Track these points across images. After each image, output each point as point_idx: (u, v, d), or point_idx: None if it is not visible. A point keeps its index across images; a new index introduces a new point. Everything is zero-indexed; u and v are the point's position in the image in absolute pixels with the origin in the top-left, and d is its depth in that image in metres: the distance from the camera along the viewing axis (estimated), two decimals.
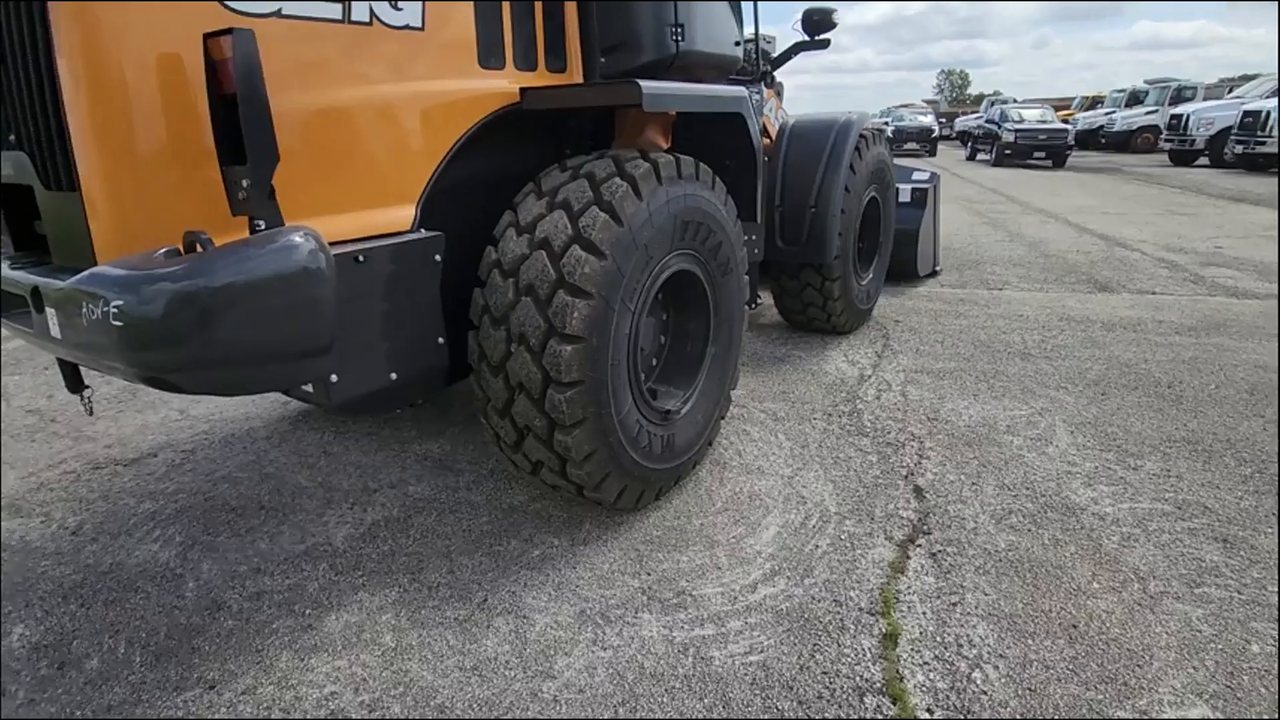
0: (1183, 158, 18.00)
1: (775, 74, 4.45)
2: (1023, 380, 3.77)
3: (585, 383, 2.11)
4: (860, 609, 2.06)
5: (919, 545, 2.36)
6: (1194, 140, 17.24)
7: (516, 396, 2.18)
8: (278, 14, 1.75)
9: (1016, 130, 19.29)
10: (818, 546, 2.37)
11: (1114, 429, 3.15)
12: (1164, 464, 2.84)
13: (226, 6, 1.66)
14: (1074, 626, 1.96)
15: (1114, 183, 14.38)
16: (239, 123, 1.51)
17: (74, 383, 2.16)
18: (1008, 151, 19.24)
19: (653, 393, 2.55)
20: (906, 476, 2.81)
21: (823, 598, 2.11)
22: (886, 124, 23.09)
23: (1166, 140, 18.93)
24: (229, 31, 1.47)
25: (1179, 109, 18.78)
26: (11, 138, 1.73)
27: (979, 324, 4.81)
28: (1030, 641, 1.91)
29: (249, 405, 3.79)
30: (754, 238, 3.17)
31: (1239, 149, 15.21)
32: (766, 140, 4.12)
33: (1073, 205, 10.82)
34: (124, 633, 2.06)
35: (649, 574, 2.26)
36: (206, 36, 1.52)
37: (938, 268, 6.36)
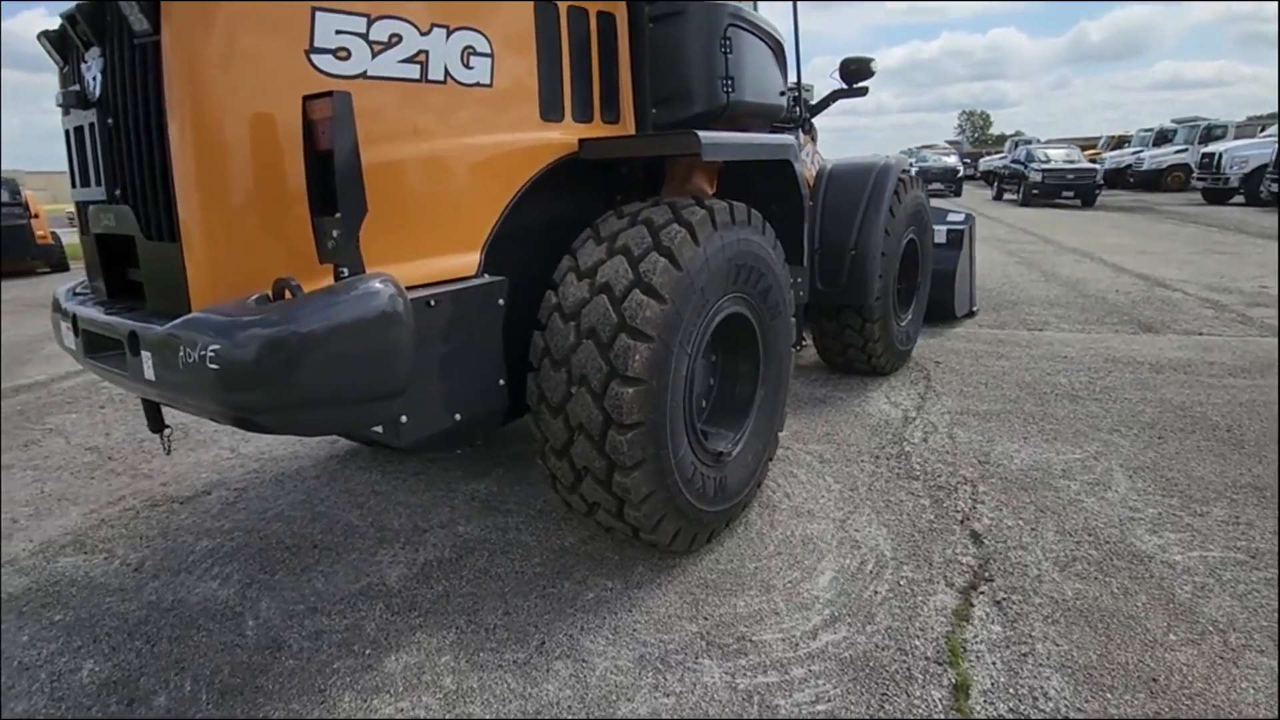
0: (1217, 196, 17.79)
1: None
2: (1073, 423, 3.70)
3: (645, 424, 2.13)
4: (927, 658, 2.01)
5: (982, 592, 2.31)
6: (1228, 179, 17.06)
7: (576, 437, 2.20)
8: (363, 75, 1.86)
9: (1043, 170, 19.27)
10: (877, 592, 2.32)
11: (1175, 474, 3.07)
12: (1232, 510, 2.75)
13: (318, 70, 1.77)
14: (1154, 680, 1.89)
15: (1147, 222, 14.25)
16: (332, 177, 1.60)
17: (155, 422, 2.24)
18: (1035, 191, 19.20)
19: (704, 434, 2.56)
20: (962, 521, 2.76)
21: (887, 645, 2.07)
22: (911, 164, 23.20)
23: (1199, 179, 18.75)
24: (329, 94, 1.56)
25: (1210, 147, 18.64)
26: (117, 192, 1.85)
27: (1022, 365, 4.75)
28: (1109, 695, 1.85)
29: (297, 444, 3.87)
30: (800, 280, 3.21)
31: (1275, 187, 15.01)
32: None
33: (1107, 244, 10.72)
34: (189, 670, 2.09)
35: (706, 618, 2.23)
36: (306, 98, 1.62)
37: (974, 308, 6.32)
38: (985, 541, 2.60)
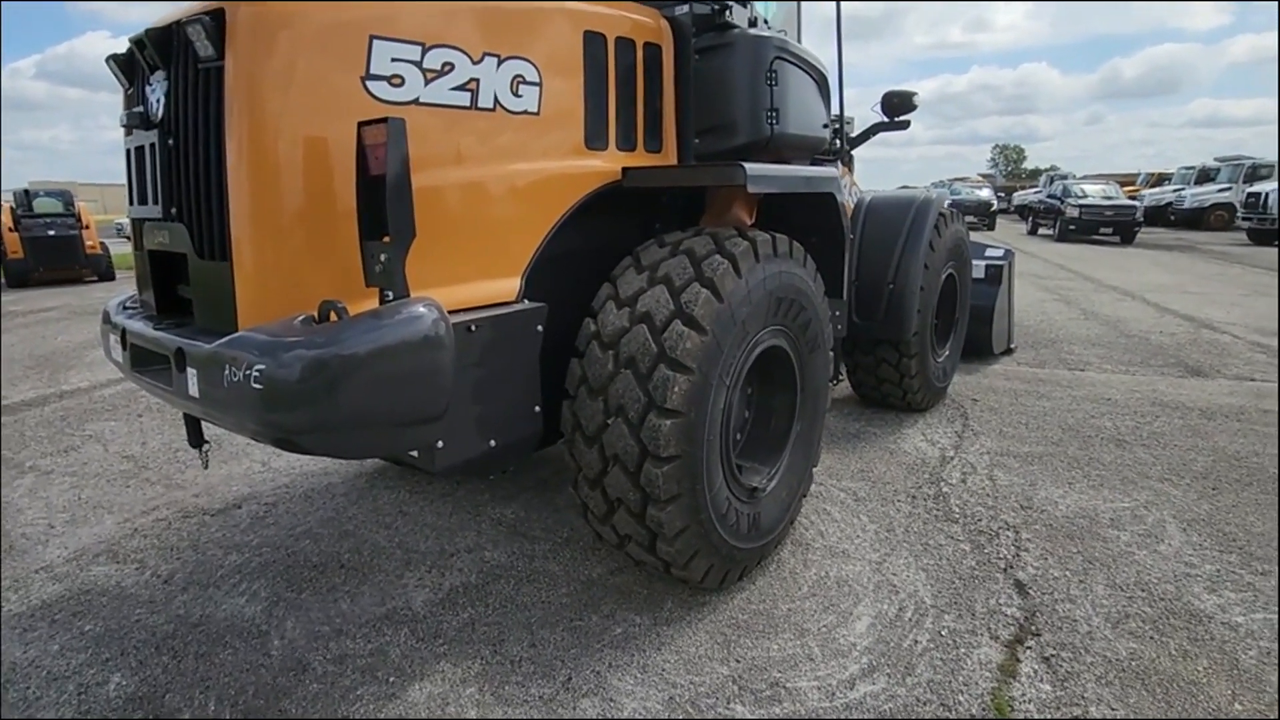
0: (1263, 236, 17.30)
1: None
2: (1120, 469, 3.56)
3: (682, 458, 2.08)
4: (972, 716, 1.91)
5: (1028, 647, 2.20)
6: (1275, 219, 16.61)
7: (610, 468, 2.17)
8: (415, 102, 1.88)
9: (1081, 205, 18.97)
10: (917, 642, 2.23)
11: (1232, 528, 2.93)
12: None
13: (372, 96, 1.80)
14: None
15: (1190, 260, 13.90)
16: (382, 202, 1.61)
17: (195, 437, 2.26)
18: (1072, 227, 18.89)
19: (739, 468, 2.51)
20: (1005, 569, 2.65)
21: (929, 700, 1.97)
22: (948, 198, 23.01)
23: (1244, 218, 18.28)
24: (383, 121, 1.58)
25: (1256, 187, 18.20)
26: (173, 210, 1.88)
27: (1063, 406, 4.61)
28: None
29: (328, 461, 3.88)
30: (838, 313, 3.16)
31: None
32: None
33: (1149, 283, 10.46)
34: (214, 689, 2.07)
35: (738, 661, 2.16)
36: (361, 124, 1.63)
37: (1012, 345, 6.18)
38: (1031, 592, 2.49)
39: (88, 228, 13.65)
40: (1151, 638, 2.23)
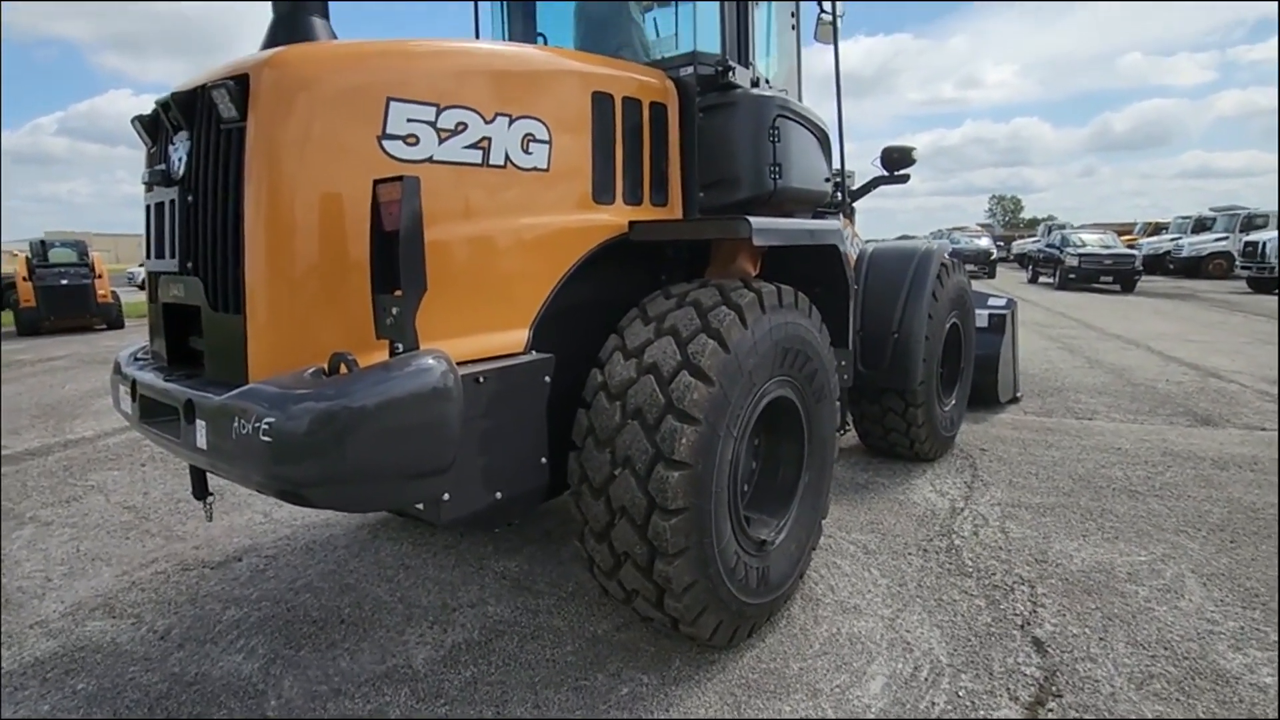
0: (1263, 284, 17.41)
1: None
2: (1134, 521, 3.50)
3: (690, 510, 2.06)
4: None
5: (1050, 709, 2.12)
6: (1274, 268, 16.74)
7: (618, 521, 2.14)
8: (429, 160, 1.94)
9: (1080, 254, 19.17)
10: (934, 703, 2.15)
11: (1253, 583, 2.85)
12: None
13: (388, 154, 1.85)
14: None
15: (1192, 309, 13.95)
16: (395, 257, 1.64)
17: (200, 490, 2.24)
18: (1072, 275, 19.05)
19: (746, 520, 2.47)
20: (1022, 626, 2.58)
21: None
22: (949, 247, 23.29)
23: (1243, 267, 18.44)
24: (398, 179, 1.62)
25: (1254, 236, 18.42)
26: (189, 264, 1.92)
27: (1073, 456, 4.56)
28: None
29: (329, 511, 3.84)
30: (844, 363, 3.16)
31: None
32: None
33: (1151, 331, 10.48)
34: None
35: None
36: (377, 182, 1.68)
37: (1019, 394, 6.16)
38: (1050, 651, 2.42)
39: (100, 277, 13.89)
40: (1178, 700, 2.15)
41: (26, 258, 13.57)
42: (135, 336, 12.79)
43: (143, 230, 2.21)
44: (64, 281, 13.23)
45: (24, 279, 13.10)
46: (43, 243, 14.20)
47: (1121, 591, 2.81)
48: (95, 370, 9.01)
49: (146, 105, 2.12)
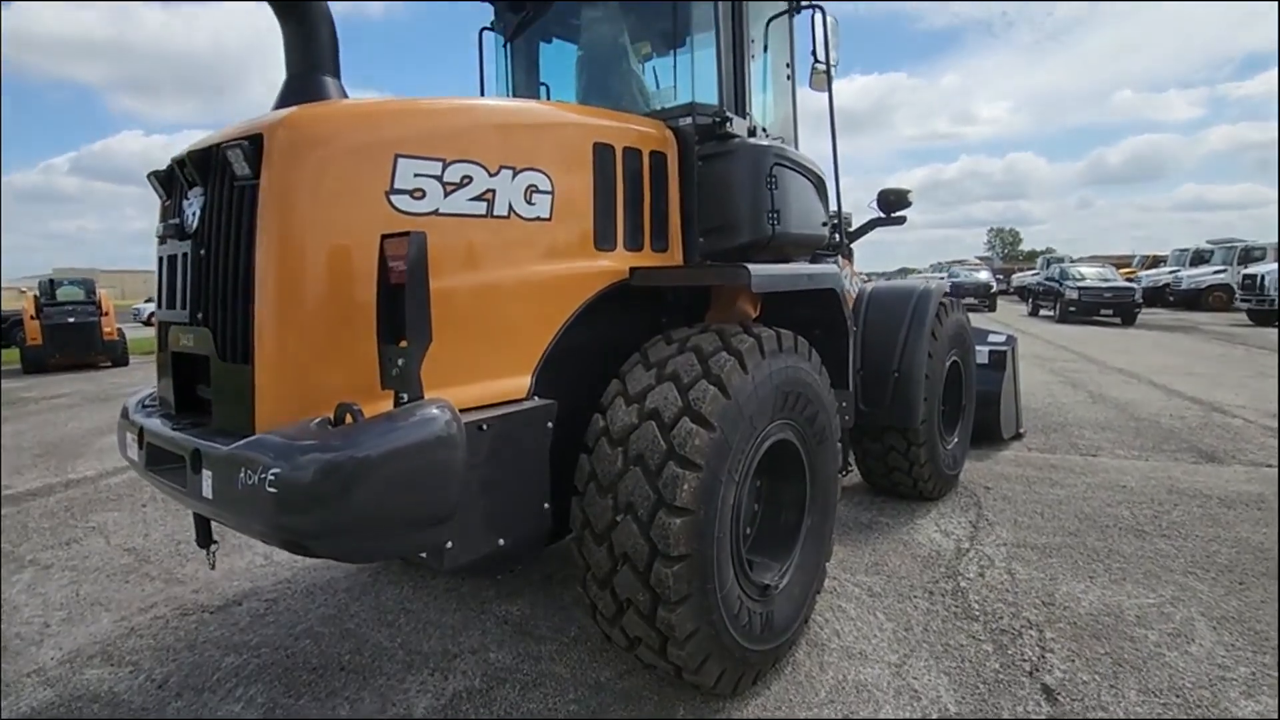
0: (1263, 317, 17.46)
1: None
2: (1142, 562, 3.47)
3: (692, 556, 2.06)
4: None
5: None
6: (1273, 300, 16.82)
7: (620, 567, 2.13)
8: (435, 212, 1.99)
9: (1080, 288, 19.30)
10: None
11: (1263, 626, 2.82)
12: None
13: (395, 209, 1.90)
14: None
15: (1193, 342, 13.97)
16: (402, 309, 1.67)
17: (204, 537, 2.25)
18: (1073, 309, 19.15)
19: (749, 564, 2.46)
20: (1031, 673, 2.54)
21: None
22: (943, 278, 23.51)
23: (1243, 300, 18.52)
24: (406, 234, 1.67)
25: (1252, 269, 18.54)
26: (200, 315, 1.96)
27: (1078, 494, 4.54)
28: None
29: None
30: (845, 404, 3.18)
31: None
32: None
33: (1154, 364, 10.48)
34: None
35: None
36: (385, 237, 1.72)
37: (1022, 430, 6.15)
38: (1060, 698, 2.38)
39: (106, 314, 14.02)
40: None
41: (35, 296, 13.73)
42: (140, 373, 12.89)
43: (147, 266, 2.26)
44: (71, 319, 13.36)
45: (31, 317, 13.23)
46: (51, 281, 14.39)
47: (1131, 636, 2.78)
48: (99, 408, 9.04)
49: (158, 144, 2.22)
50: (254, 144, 1.78)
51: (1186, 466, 5.13)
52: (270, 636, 2.97)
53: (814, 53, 3.43)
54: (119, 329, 14.49)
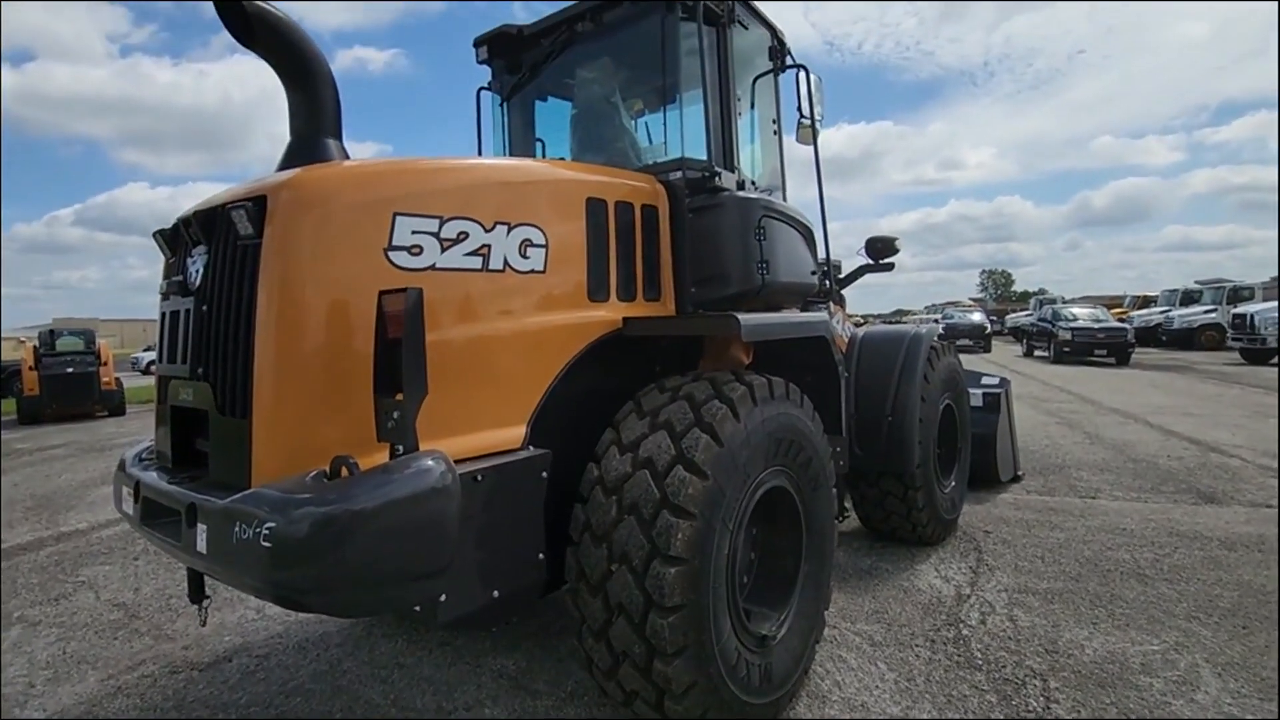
0: (1256, 356, 17.61)
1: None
2: (1145, 607, 3.43)
3: (687, 607, 2.04)
4: None
5: None
6: (1264, 339, 16.98)
7: (615, 619, 2.12)
8: (432, 268, 2.04)
9: (1073, 329, 19.48)
10: None
11: (1269, 672, 2.77)
12: None
13: (393, 265, 1.95)
14: None
15: (1187, 381, 14.03)
16: (398, 363, 1.71)
17: (196, 593, 2.23)
18: (1066, 349, 19.29)
19: (746, 614, 2.44)
20: None
21: None
22: (937, 320, 23.72)
23: (1235, 339, 18.70)
24: (403, 291, 1.72)
25: (1242, 308, 18.77)
26: (200, 370, 1.99)
27: (1078, 537, 4.51)
28: None
29: None
30: (839, 450, 3.19)
31: None
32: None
33: (1149, 405, 10.51)
34: None
35: None
36: (383, 293, 1.77)
37: (1020, 472, 6.13)
38: None
39: (105, 364, 14.05)
40: None
41: (34, 347, 13.78)
42: (136, 423, 12.84)
43: (147, 314, 2.30)
44: (69, 369, 13.39)
45: (30, 368, 13.26)
46: (51, 332, 14.46)
47: (1136, 684, 2.73)
48: (93, 459, 8.99)
49: (162, 196, 2.28)
50: (258, 205, 1.84)
51: (1186, 508, 5.10)
52: (260, 694, 2.91)
53: (799, 109, 3.56)
54: (117, 378, 14.50)
